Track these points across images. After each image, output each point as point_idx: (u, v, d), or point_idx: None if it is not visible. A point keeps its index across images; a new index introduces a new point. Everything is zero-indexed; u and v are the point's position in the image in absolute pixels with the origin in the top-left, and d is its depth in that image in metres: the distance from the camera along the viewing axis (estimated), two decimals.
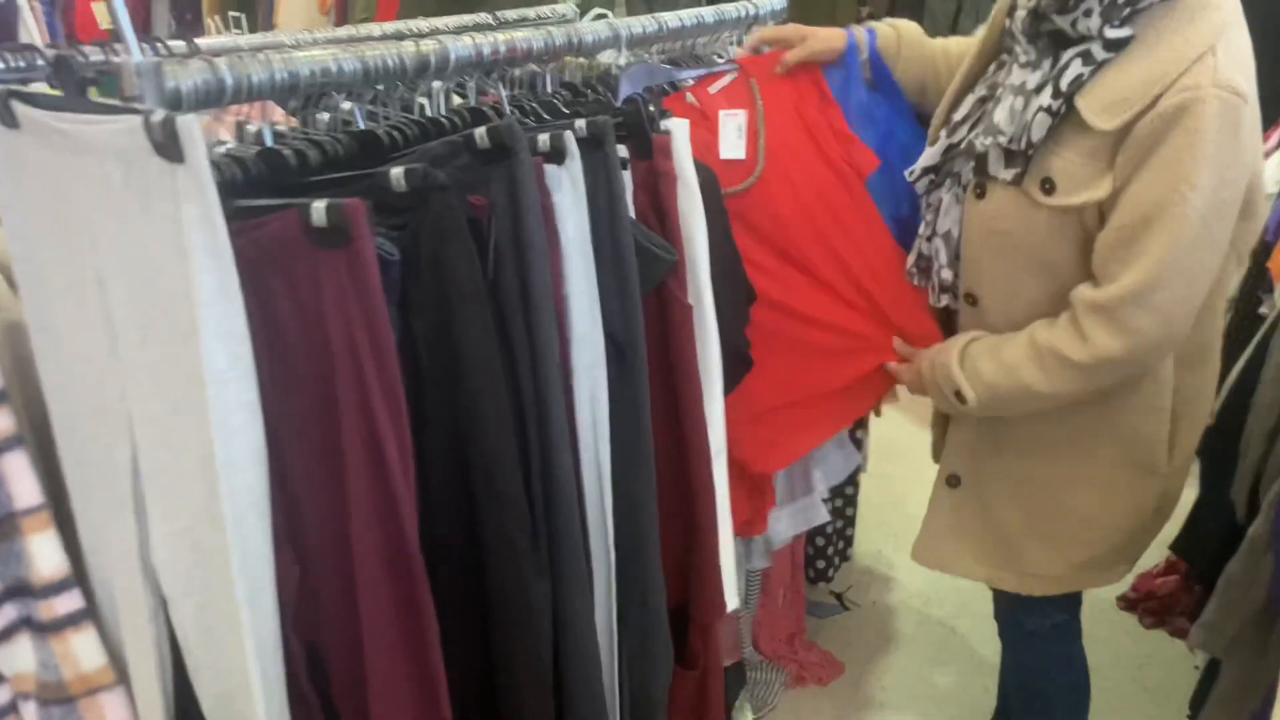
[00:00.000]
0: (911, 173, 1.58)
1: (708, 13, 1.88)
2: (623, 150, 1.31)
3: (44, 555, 1.09)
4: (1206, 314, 1.43)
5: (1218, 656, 1.52)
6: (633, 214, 1.31)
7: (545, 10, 2.39)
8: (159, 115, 0.77)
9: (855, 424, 2.12)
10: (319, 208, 0.85)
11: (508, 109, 1.35)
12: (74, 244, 0.96)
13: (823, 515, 1.91)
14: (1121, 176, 1.31)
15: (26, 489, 1.08)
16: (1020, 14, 1.40)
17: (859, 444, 2.19)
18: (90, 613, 1.12)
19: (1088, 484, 1.55)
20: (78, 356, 1.04)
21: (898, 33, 1.72)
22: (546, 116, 1.38)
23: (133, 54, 0.87)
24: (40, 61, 1.40)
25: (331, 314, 0.89)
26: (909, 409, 2.69)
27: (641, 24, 1.67)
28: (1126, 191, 1.31)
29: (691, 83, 1.71)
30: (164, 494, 0.94)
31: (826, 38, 1.68)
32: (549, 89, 1.53)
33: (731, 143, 1.69)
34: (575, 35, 1.50)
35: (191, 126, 0.76)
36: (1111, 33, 1.29)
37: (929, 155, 1.55)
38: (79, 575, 1.13)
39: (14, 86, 0.96)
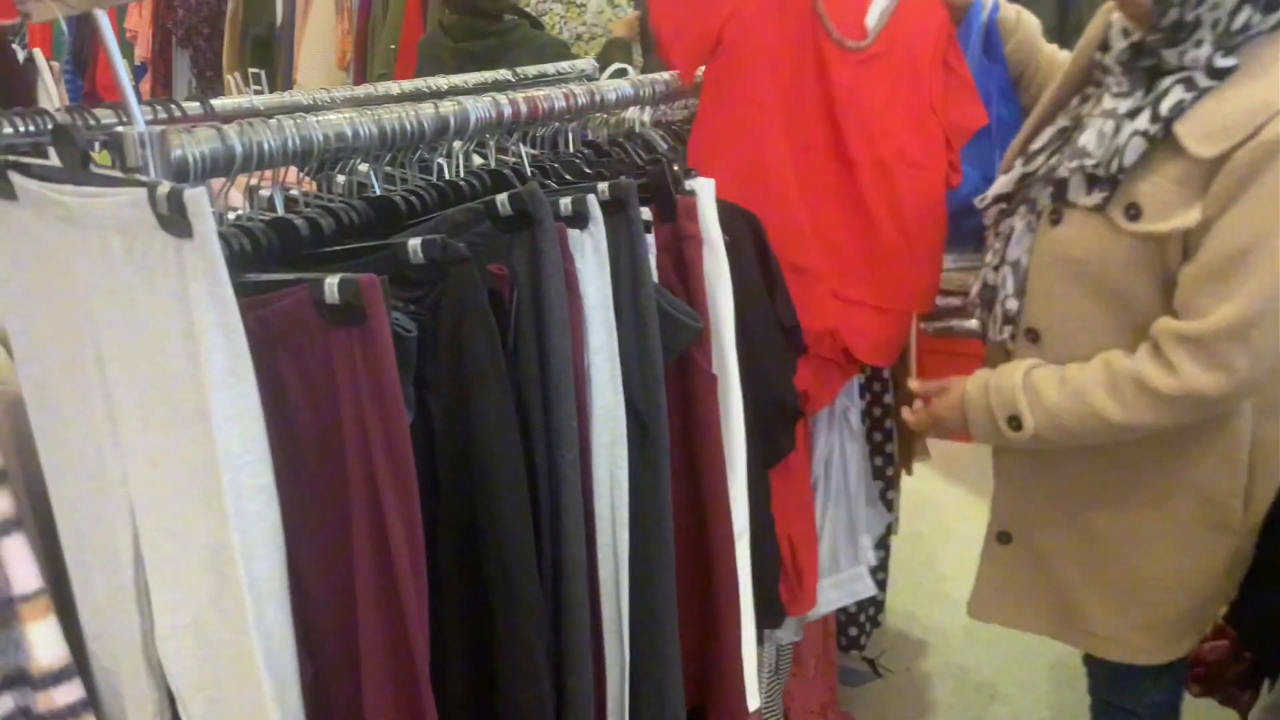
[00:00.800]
0: (983, 199, 1.56)
1: None
2: (645, 211, 1.26)
3: (43, 643, 1.03)
4: None
5: None
6: (656, 278, 1.26)
7: (565, 66, 2.36)
8: (165, 188, 0.72)
9: (885, 484, 2.05)
10: (332, 284, 0.80)
11: (528, 170, 1.31)
12: (72, 321, 0.91)
13: (869, 588, 1.83)
14: (1215, 207, 1.27)
15: (26, 574, 1.03)
16: (1118, 48, 1.39)
17: (890, 504, 2.11)
18: (91, 704, 1.06)
19: (1155, 540, 1.47)
20: (78, 437, 0.99)
21: (1018, 16, 1.72)
22: (568, 177, 1.34)
23: (136, 121, 0.83)
24: (10, 130, 1.36)
25: (343, 395, 0.84)
26: (937, 464, 2.62)
27: (666, 81, 1.63)
28: (1220, 223, 1.27)
29: None
30: (169, 584, 0.88)
31: None
32: (571, 147, 1.49)
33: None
34: (598, 93, 1.46)
35: (200, 200, 0.71)
36: (1220, 61, 1.28)
37: (1003, 183, 1.52)
38: (80, 663, 1.07)
39: (14, 158, 0.92)
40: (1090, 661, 1.69)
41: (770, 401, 1.50)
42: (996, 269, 1.53)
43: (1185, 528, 1.45)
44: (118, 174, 0.81)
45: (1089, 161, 1.36)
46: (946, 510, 3.03)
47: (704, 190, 1.33)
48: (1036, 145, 1.50)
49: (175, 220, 0.72)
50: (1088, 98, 1.48)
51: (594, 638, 1.07)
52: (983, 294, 1.57)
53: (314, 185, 1.31)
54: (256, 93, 2.65)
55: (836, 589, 1.80)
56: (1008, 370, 1.47)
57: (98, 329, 0.87)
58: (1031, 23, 1.74)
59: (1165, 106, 1.30)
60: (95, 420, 0.92)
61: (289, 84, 3.97)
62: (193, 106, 1.52)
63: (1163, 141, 1.30)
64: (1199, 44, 1.28)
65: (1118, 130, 1.35)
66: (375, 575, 0.85)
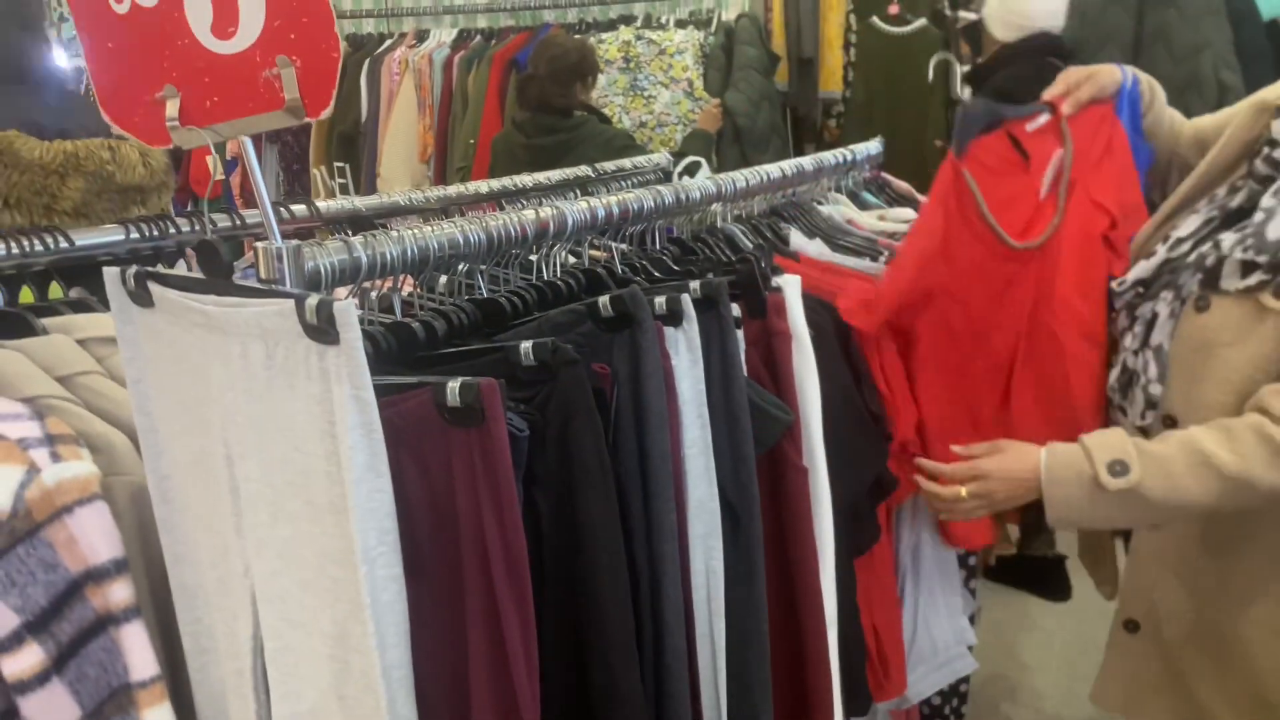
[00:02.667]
0: (1121, 283, 1.56)
1: (806, 161, 1.90)
2: (734, 308, 1.30)
3: None
4: None
5: None
6: (745, 373, 1.29)
7: (641, 161, 2.44)
8: (313, 299, 0.78)
9: (968, 573, 2.04)
10: (453, 388, 0.85)
11: (619, 268, 1.36)
12: (203, 420, 0.97)
13: (970, 665, 1.80)
14: None
15: (143, 660, 1.07)
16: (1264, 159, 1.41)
17: (973, 592, 2.09)
18: None
19: None
20: (202, 529, 1.04)
21: (1152, 90, 1.72)
22: (657, 274, 1.39)
23: (274, 238, 0.89)
24: (172, 230, 1.45)
25: (461, 492, 0.88)
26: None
27: (745, 177, 1.68)
28: None
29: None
30: (289, 673, 0.92)
31: (1109, 70, 1.68)
32: (657, 243, 1.54)
33: (1048, 185, 1.67)
34: (682, 192, 1.52)
35: (349, 312, 0.76)
36: None
37: (1143, 268, 1.52)
38: None
39: (152, 270, 0.99)
40: None
41: (860, 488, 1.51)
42: (1137, 353, 1.52)
43: None
44: (258, 286, 0.88)
45: (1244, 252, 1.36)
46: (1027, 600, 2.98)
47: (791, 287, 1.37)
48: (1183, 232, 1.49)
49: (323, 329, 0.78)
50: (1236, 189, 1.48)
51: None
52: (1120, 379, 1.56)
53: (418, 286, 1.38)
54: (341, 187, 2.78)
55: (939, 671, 1.78)
56: (1110, 431, 1.45)
57: (230, 427, 0.92)
58: (1161, 93, 1.73)
59: None
60: (221, 513, 0.97)
61: (373, 177, 4.13)
62: (300, 210, 1.61)
63: None
64: None
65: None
66: (490, 666, 0.88)
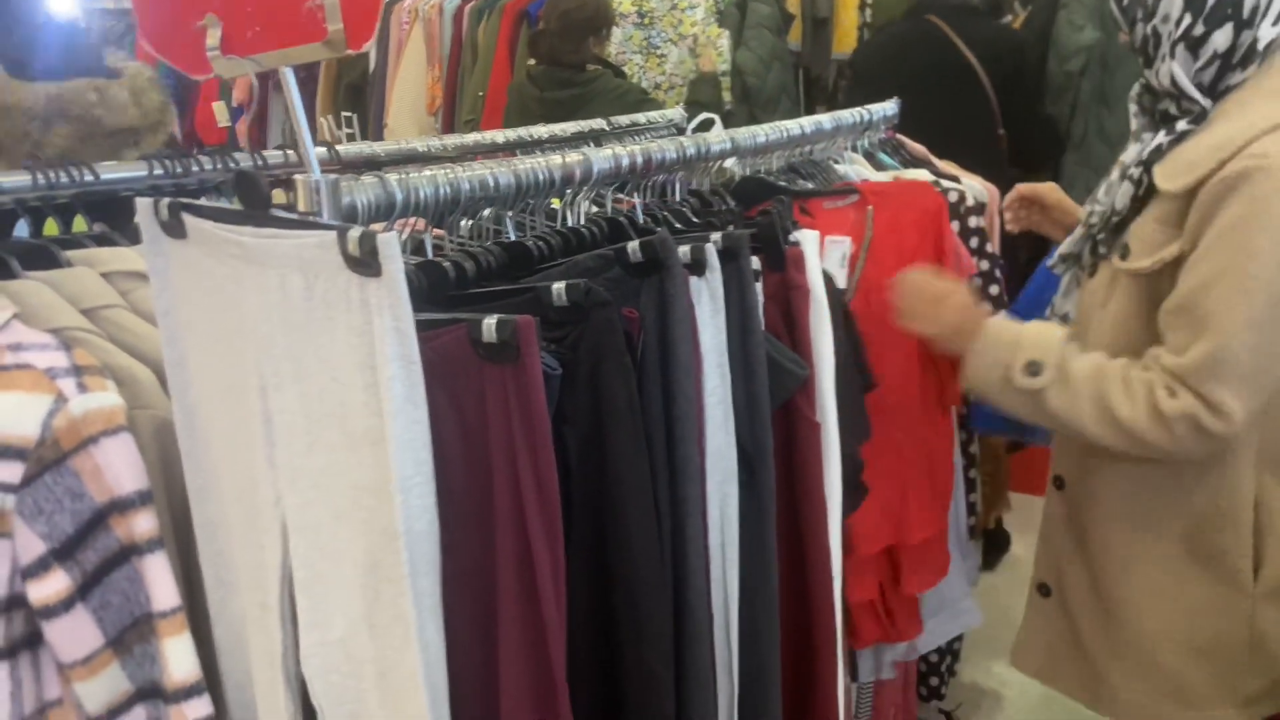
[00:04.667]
0: (1054, 262, 1.61)
1: (825, 119, 1.90)
2: (754, 261, 1.30)
3: (178, 659, 1.09)
4: None
5: None
6: (763, 326, 1.30)
7: (655, 115, 2.43)
8: (356, 232, 0.78)
9: (968, 533, 2.06)
10: (489, 324, 0.86)
11: (641, 217, 1.36)
12: (236, 351, 0.97)
13: (976, 618, 1.82)
14: (1189, 241, 1.31)
15: (165, 591, 1.08)
16: (1136, 88, 1.47)
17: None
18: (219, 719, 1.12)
19: (1165, 599, 1.46)
20: (227, 461, 1.05)
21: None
22: (678, 225, 1.39)
23: (312, 170, 0.89)
24: (195, 168, 1.45)
25: (493, 428, 0.89)
26: (1014, 517, 2.61)
27: (764, 132, 1.68)
28: (1190, 257, 1.30)
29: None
30: (319, 602, 0.93)
31: (1069, 209, 1.72)
32: (678, 196, 1.54)
33: (831, 269, 1.67)
34: (704, 145, 1.51)
35: (392, 244, 0.77)
36: (1189, 103, 1.34)
37: (1068, 243, 1.57)
38: (210, 679, 1.13)
39: (187, 200, 0.99)
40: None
41: (854, 449, 1.53)
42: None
43: (1194, 586, 1.44)
44: (297, 217, 0.88)
45: (1098, 208, 1.44)
46: (1023, 564, 3.01)
47: (809, 242, 1.37)
48: (1093, 206, 1.53)
49: (365, 261, 0.78)
50: None
51: (711, 669, 1.11)
52: None
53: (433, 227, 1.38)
54: (349, 137, 2.76)
55: (949, 621, 1.81)
56: (1050, 326, 1.49)
57: (265, 359, 0.93)
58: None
59: (1147, 151, 1.37)
60: (252, 445, 0.98)
61: (380, 128, 4.10)
62: (320, 152, 1.60)
63: (1149, 185, 1.36)
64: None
65: (1121, 179, 1.42)
66: (519, 597, 0.90)
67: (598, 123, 2.23)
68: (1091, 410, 1.36)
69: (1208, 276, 1.28)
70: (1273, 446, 1.39)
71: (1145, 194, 1.38)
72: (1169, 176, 1.33)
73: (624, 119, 2.32)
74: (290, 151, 1.56)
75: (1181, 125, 1.35)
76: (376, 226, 0.89)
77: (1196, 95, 1.34)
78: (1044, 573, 1.61)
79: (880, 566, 1.64)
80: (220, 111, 3.63)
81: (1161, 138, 1.36)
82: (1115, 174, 1.45)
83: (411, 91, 4.06)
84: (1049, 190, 1.75)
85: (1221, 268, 1.26)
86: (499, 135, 1.93)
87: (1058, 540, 1.58)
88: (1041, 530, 1.62)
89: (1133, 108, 1.48)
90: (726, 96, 3.75)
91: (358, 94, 4.28)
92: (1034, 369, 1.40)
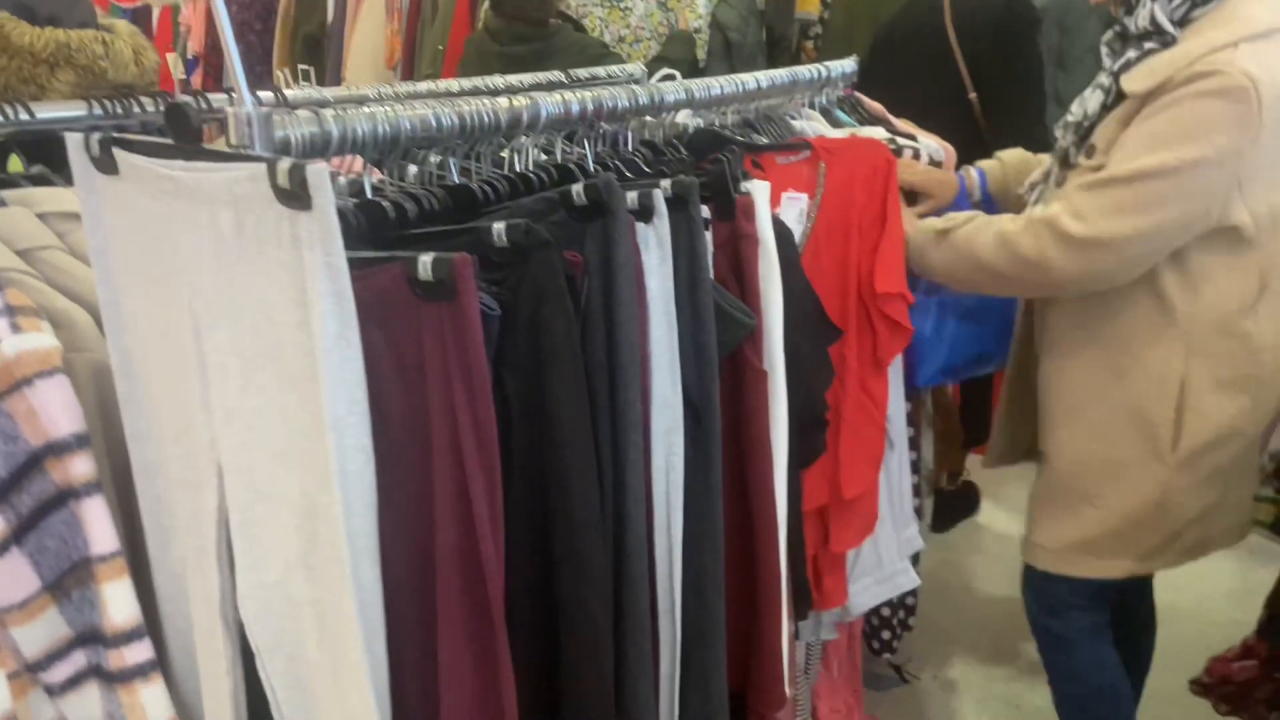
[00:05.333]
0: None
1: (783, 74, 1.89)
2: (704, 210, 1.30)
3: (117, 603, 1.07)
4: (1238, 344, 1.57)
5: None
6: (712, 275, 1.30)
7: (615, 70, 2.41)
8: (286, 163, 0.76)
9: (914, 493, 2.08)
10: (425, 261, 0.85)
11: (592, 166, 1.35)
12: (170, 290, 0.95)
13: (912, 580, 1.87)
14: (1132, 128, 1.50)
15: (104, 535, 1.07)
16: (1108, 34, 1.63)
17: (919, 512, 2.14)
18: (159, 664, 1.11)
19: (1100, 461, 1.67)
20: (165, 403, 1.04)
21: (1003, 166, 1.94)
22: (629, 174, 1.38)
23: (244, 102, 0.87)
24: (136, 109, 1.41)
25: (430, 367, 0.88)
26: (970, 477, 2.64)
27: (720, 84, 1.67)
28: (1124, 136, 1.50)
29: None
30: (255, 545, 0.93)
31: (944, 198, 1.87)
32: (630, 146, 1.53)
33: (790, 225, 1.68)
34: (658, 94, 1.50)
35: (322, 175, 0.75)
36: (1165, 28, 1.50)
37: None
38: (151, 623, 1.12)
39: (118, 134, 0.97)
40: (1025, 590, 1.90)
41: (812, 400, 1.54)
42: None
43: (1124, 449, 1.64)
44: (228, 151, 0.86)
45: (1070, 119, 1.61)
46: (982, 531, 3.06)
47: (760, 192, 1.37)
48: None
49: (295, 194, 0.77)
50: None
51: (651, 617, 1.11)
52: None
53: (380, 173, 1.36)
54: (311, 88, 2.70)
55: (880, 584, 1.83)
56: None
57: (198, 298, 0.91)
58: (1014, 158, 1.95)
59: (1116, 65, 1.55)
60: (187, 386, 0.96)
61: (337, 81, 4.02)
62: (267, 96, 1.57)
63: (1118, 92, 1.53)
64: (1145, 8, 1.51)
65: (1092, 94, 1.60)
66: (457, 537, 0.89)
67: (556, 75, 2.20)
68: (989, 238, 1.60)
69: (1127, 136, 1.49)
70: (1199, 335, 1.57)
71: (1113, 101, 1.55)
72: (1134, 81, 1.50)
73: (583, 72, 2.30)
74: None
75: (1149, 45, 1.51)
76: None
77: (1171, 29, 1.50)
78: (1042, 442, 1.81)
79: (815, 525, 1.66)
80: (174, 63, 3.56)
81: (1130, 54, 1.53)
82: (1087, 90, 1.62)
83: (370, 44, 3.99)
84: (934, 184, 1.89)
85: (1141, 131, 1.47)
86: (453, 84, 1.90)
87: (1045, 409, 1.78)
88: (1039, 404, 1.81)
89: (1104, 50, 1.63)
90: (701, 54, 3.71)
91: (315, 46, 4.20)
92: (950, 220, 1.67)
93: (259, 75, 4.15)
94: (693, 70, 3.56)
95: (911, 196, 1.84)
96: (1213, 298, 1.56)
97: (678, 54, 3.52)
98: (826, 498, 1.65)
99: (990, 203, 1.91)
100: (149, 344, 1.03)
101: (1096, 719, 1.89)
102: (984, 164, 1.96)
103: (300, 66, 2.72)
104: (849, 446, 1.63)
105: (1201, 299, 1.57)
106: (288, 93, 1.64)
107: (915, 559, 2.26)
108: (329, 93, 1.68)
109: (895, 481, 1.85)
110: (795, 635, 1.82)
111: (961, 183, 1.89)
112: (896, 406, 1.81)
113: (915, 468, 2.12)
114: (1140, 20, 1.52)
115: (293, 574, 0.90)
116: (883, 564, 1.83)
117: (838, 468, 1.62)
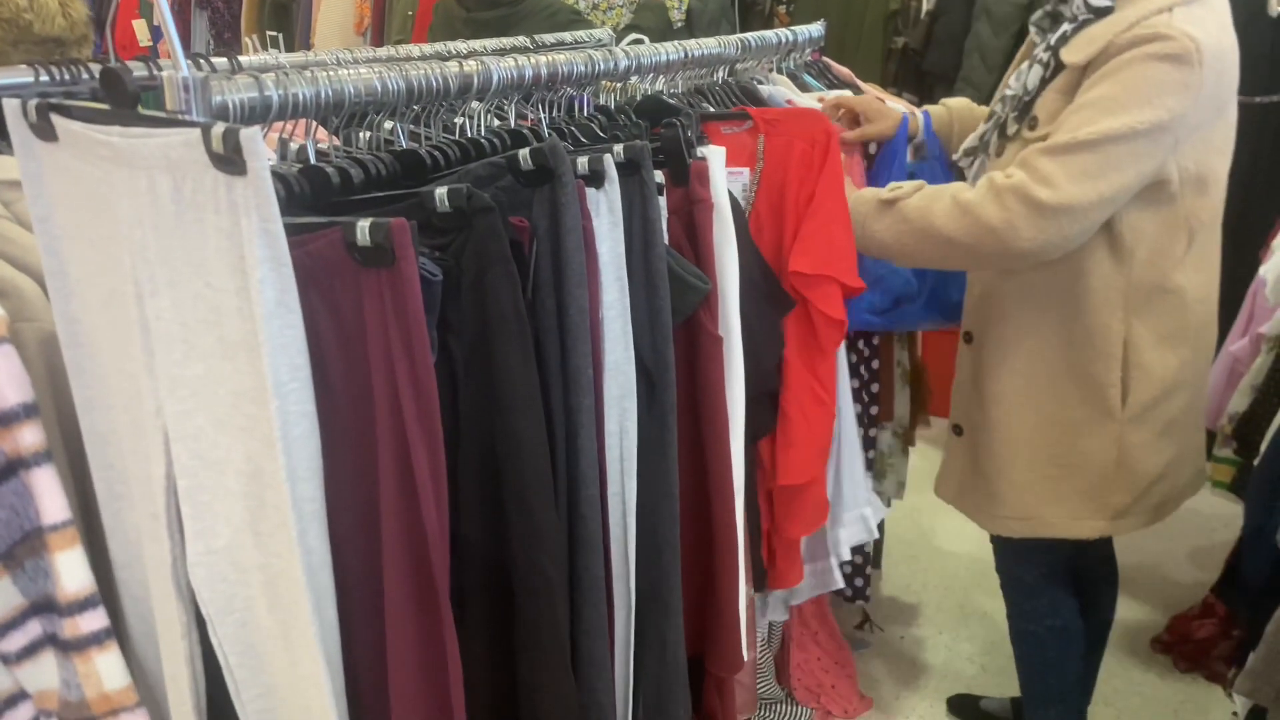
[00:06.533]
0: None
1: (751, 37, 1.88)
2: (658, 175, 1.30)
3: (70, 572, 1.07)
4: (1174, 299, 1.62)
5: (1265, 706, 1.49)
6: (666, 240, 1.30)
7: (583, 35, 2.39)
8: (219, 128, 0.76)
9: (867, 443, 2.09)
10: (363, 226, 0.84)
11: (545, 131, 1.34)
12: (112, 258, 0.95)
13: (837, 581, 1.92)
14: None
15: (55, 505, 1.07)
16: (1038, 14, 1.68)
17: (869, 463, 2.14)
18: (114, 632, 1.11)
19: (1057, 425, 1.70)
20: (113, 371, 1.03)
21: (949, 111, 1.98)
22: (584, 140, 1.38)
23: (180, 68, 0.87)
24: (85, 76, 1.40)
25: (371, 333, 0.88)
26: (936, 440, 2.66)
27: (682, 49, 1.66)
28: (1070, 106, 1.52)
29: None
30: (203, 512, 0.93)
31: (884, 127, 1.90)
32: (585, 113, 1.52)
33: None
34: (612, 60, 1.49)
35: (255, 139, 0.75)
36: (1097, 2, 1.54)
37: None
38: (107, 591, 1.12)
39: (57, 100, 0.96)
40: (994, 540, 1.96)
41: (767, 369, 1.54)
42: None
43: (1078, 411, 1.68)
44: (165, 116, 0.85)
45: (1009, 93, 1.64)
46: None
47: (715, 157, 1.37)
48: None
49: (230, 159, 0.76)
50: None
51: (605, 581, 1.12)
52: None
53: (341, 141, 1.35)
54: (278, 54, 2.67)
55: (812, 578, 1.88)
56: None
57: (139, 265, 0.91)
58: (961, 105, 1.99)
59: (1054, 39, 1.59)
60: (133, 354, 0.96)
61: (306, 48, 3.98)
62: (221, 62, 1.56)
63: (1058, 65, 1.57)
64: None
65: (1030, 68, 1.63)
66: (400, 502, 0.90)
67: (521, 40, 2.19)
68: (945, 206, 1.59)
69: (1079, 103, 1.50)
70: (1136, 294, 1.62)
71: (1052, 74, 1.58)
72: (1073, 52, 1.54)
73: (549, 38, 2.28)
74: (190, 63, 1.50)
75: (1084, 16, 1.55)
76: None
77: (1108, 1, 1.53)
78: (957, 416, 1.87)
79: (769, 506, 1.67)
80: (141, 29, 3.51)
81: (1066, 27, 1.57)
82: (1024, 65, 1.66)
83: (339, 10, 3.94)
84: (870, 107, 1.92)
85: (1094, 96, 1.49)
86: (414, 50, 1.89)
87: (967, 387, 1.83)
88: (955, 380, 1.87)
89: (1032, 30, 1.68)
90: (674, 17, 3.69)
91: (284, 12, 4.15)
92: (896, 189, 1.66)
93: (227, 42, 4.10)
94: (664, 38, 3.54)
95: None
96: (1147, 255, 1.60)
97: (649, 22, 3.50)
98: (769, 480, 1.64)
99: (932, 140, 1.93)
100: (95, 312, 1.02)
101: (1048, 655, 1.97)
102: (930, 108, 1.99)
103: (269, 33, 2.68)
104: (799, 431, 1.61)
105: (1137, 259, 1.60)
106: (243, 59, 1.62)
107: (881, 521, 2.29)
108: (286, 59, 1.66)
109: (841, 460, 1.88)
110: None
111: (904, 122, 1.90)
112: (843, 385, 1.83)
113: (887, 427, 2.16)
114: (1076, 7, 1.56)
115: (241, 539, 0.91)
116: (815, 557, 1.88)
117: (787, 452, 1.61)
